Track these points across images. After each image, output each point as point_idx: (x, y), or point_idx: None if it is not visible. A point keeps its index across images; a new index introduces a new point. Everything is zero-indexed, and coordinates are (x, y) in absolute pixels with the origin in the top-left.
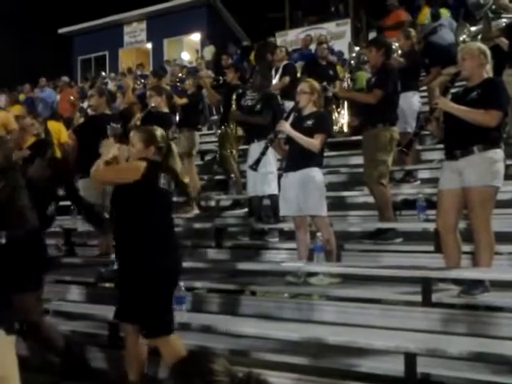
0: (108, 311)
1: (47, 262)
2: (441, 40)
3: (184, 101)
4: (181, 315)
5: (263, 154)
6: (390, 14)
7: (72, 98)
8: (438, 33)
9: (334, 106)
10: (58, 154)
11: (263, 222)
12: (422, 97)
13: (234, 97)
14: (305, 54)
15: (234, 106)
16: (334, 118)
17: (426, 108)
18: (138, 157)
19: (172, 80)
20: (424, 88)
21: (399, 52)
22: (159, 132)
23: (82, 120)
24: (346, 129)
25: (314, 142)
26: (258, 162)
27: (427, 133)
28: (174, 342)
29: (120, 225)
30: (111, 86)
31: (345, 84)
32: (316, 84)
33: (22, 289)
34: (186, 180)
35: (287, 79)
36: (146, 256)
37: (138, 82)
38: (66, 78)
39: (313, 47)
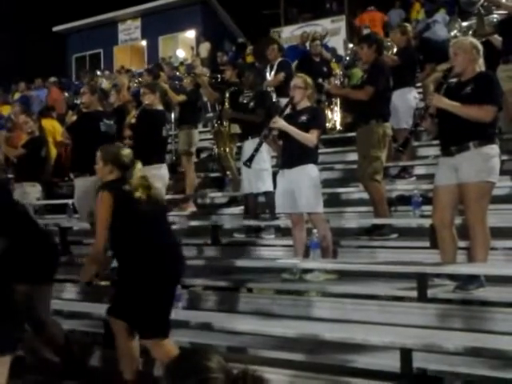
0: (103, 309)
1: (58, 255)
2: (435, 36)
3: (182, 98)
4: (177, 313)
5: (257, 150)
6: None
7: (66, 94)
8: (431, 29)
9: (326, 103)
10: (54, 151)
11: (259, 219)
12: (419, 93)
13: (227, 95)
14: (298, 51)
15: (227, 103)
16: (326, 114)
17: (422, 104)
18: (100, 175)
19: (168, 79)
20: (419, 84)
21: (395, 49)
22: (124, 151)
23: (74, 118)
24: (338, 126)
25: (309, 137)
26: (251, 158)
27: (422, 129)
28: (165, 344)
29: (115, 235)
30: (106, 83)
31: (337, 81)
32: (309, 79)
33: (32, 280)
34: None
35: (282, 75)
36: (145, 261)
37: (136, 81)
38: (53, 78)
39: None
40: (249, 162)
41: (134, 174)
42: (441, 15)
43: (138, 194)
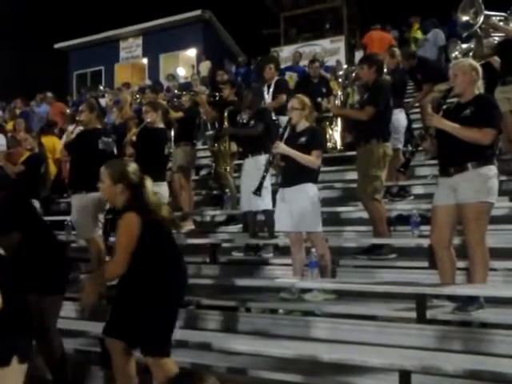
0: (100, 328)
1: (69, 266)
2: (426, 55)
3: (179, 114)
4: (174, 332)
5: (264, 177)
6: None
7: (68, 111)
8: (422, 48)
9: (327, 123)
10: (53, 169)
11: (258, 238)
12: (413, 113)
13: (226, 113)
14: (297, 70)
15: (226, 122)
16: (327, 134)
17: (416, 125)
18: (107, 193)
19: (167, 95)
20: (416, 105)
21: (385, 70)
22: (131, 168)
23: (72, 135)
24: (339, 145)
25: (312, 159)
26: (260, 187)
27: (420, 149)
28: (167, 363)
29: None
30: (107, 100)
31: (337, 101)
32: (306, 99)
33: (43, 291)
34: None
35: (284, 97)
36: (150, 274)
37: (137, 96)
38: (49, 94)
39: (302, 63)
40: (258, 190)
41: (148, 192)
42: (433, 32)
43: (163, 213)
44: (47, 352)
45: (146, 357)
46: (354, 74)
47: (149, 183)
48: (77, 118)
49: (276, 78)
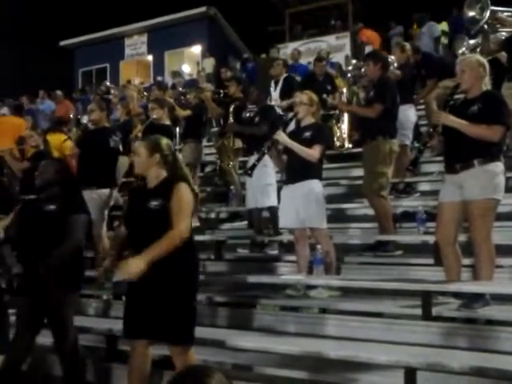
0: (106, 324)
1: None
2: (424, 48)
3: (187, 112)
4: None
5: (259, 160)
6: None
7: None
8: (419, 42)
9: (334, 121)
10: None
11: (263, 235)
12: (418, 109)
13: (231, 109)
14: (300, 69)
15: (231, 118)
16: (334, 132)
17: (422, 121)
18: (144, 166)
19: (175, 93)
20: (420, 101)
21: (395, 65)
22: (164, 141)
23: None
24: (347, 144)
25: (311, 152)
26: (253, 167)
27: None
28: (191, 356)
29: (144, 238)
30: (112, 96)
31: (343, 98)
32: (314, 96)
33: (63, 287)
34: (196, 188)
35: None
36: (180, 265)
37: (145, 93)
38: (59, 92)
39: (302, 61)
40: (250, 170)
41: (182, 165)
42: (427, 26)
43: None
44: (61, 348)
45: (174, 346)
46: (362, 70)
47: (180, 156)
48: (85, 118)
49: (284, 74)
